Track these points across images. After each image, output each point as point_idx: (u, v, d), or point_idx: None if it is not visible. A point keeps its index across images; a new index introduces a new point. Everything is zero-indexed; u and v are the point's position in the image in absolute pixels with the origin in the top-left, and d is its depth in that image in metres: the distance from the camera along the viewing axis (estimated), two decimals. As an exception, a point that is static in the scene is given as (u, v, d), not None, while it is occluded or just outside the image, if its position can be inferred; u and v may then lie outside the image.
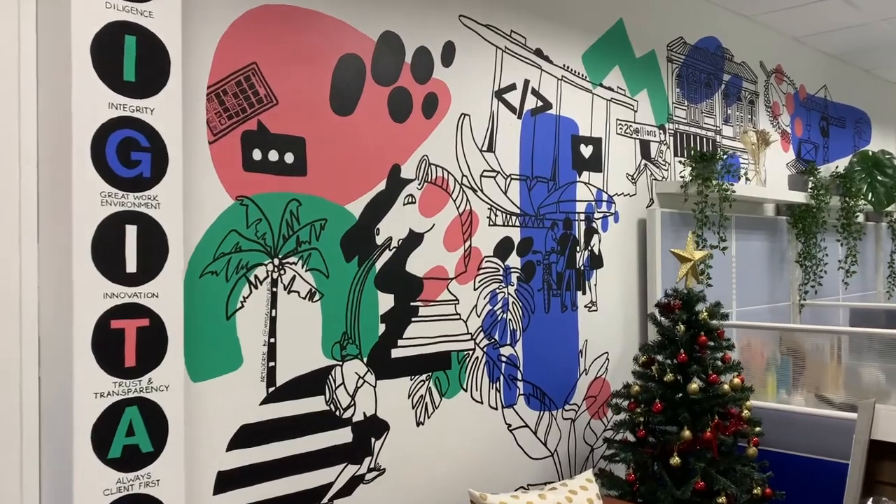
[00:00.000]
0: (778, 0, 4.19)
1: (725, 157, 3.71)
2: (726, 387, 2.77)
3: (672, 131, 3.86)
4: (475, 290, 2.88)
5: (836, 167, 5.10)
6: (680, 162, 3.83)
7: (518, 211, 3.05)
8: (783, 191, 4.46)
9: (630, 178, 3.60)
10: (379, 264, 2.55)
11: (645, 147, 3.69)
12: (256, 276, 2.23)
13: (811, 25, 4.67)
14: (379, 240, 2.55)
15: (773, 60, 4.77)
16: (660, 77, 3.80)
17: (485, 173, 2.92)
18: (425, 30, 2.70)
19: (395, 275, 2.60)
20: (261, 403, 2.24)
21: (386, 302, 2.57)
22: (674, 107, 3.89)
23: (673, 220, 3.68)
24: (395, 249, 2.60)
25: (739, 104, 4.42)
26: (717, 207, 3.59)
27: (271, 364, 2.26)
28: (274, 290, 2.27)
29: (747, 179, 3.78)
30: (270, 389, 2.26)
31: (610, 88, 3.49)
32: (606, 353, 3.45)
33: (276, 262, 2.27)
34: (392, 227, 2.59)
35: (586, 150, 3.37)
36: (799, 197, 4.37)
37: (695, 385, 2.72)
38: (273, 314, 2.27)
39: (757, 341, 4.16)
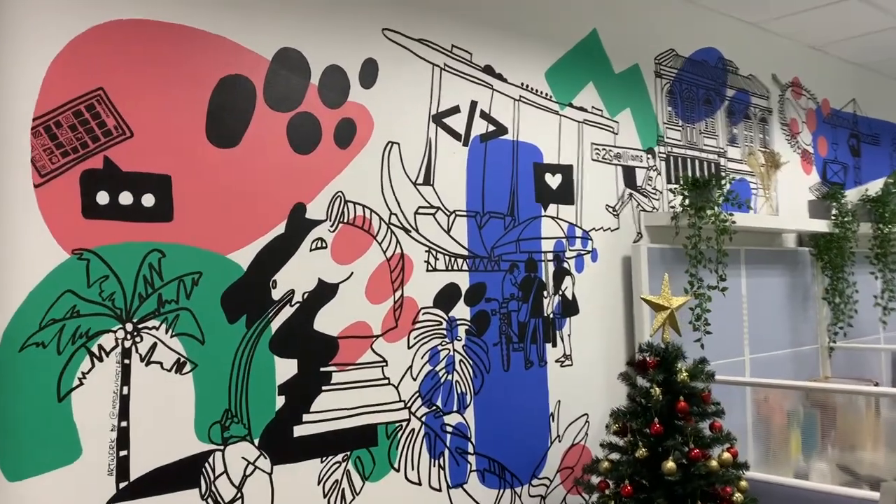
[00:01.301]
0: (786, 4, 3.70)
1: (726, 182, 3.22)
2: (714, 463, 2.25)
3: (663, 155, 3.38)
4: (409, 348, 2.43)
5: (867, 190, 4.53)
6: (671, 190, 3.33)
7: (465, 252, 2.60)
8: (802, 219, 3.92)
9: (611, 209, 3.12)
10: (276, 324, 2.13)
11: (629, 174, 3.21)
12: (101, 346, 1.83)
13: (830, 31, 4.15)
14: (276, 294, 2.13)
15: (789, 72, 4.25)
16: (646, 94, 3.33)
17: (420, 210, 2.49)
18: (337, 46, 2.31)
19: (298, 335, 2.17)
20: (109, 502, 1.82)
21: (286, 369, 2.14)
22: (665, 127, 3.41)
23: (664, 257, 3.18)
24: (298, 305, 2.17)
25: (748, 122, 3.91)
26: (715, 241, 3.09)
27: (122, 453, 1.84)
28: (126, 361, 1.86)
29: (749, 208, 3.28)
30: (122, 484, 1.84)
31: (582, 109, 3.04)
32: (586, 414, 2.95)
33: (130, 327, 1.87)
34: (294, 277, 2.17)
35: (553, 180, 2.91)
36: (819, 225, 3.82)
37: (671, 464, 2.21)
38: (125, 392, 1.86)
39: (776, 394, 3.59)
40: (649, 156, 3.31)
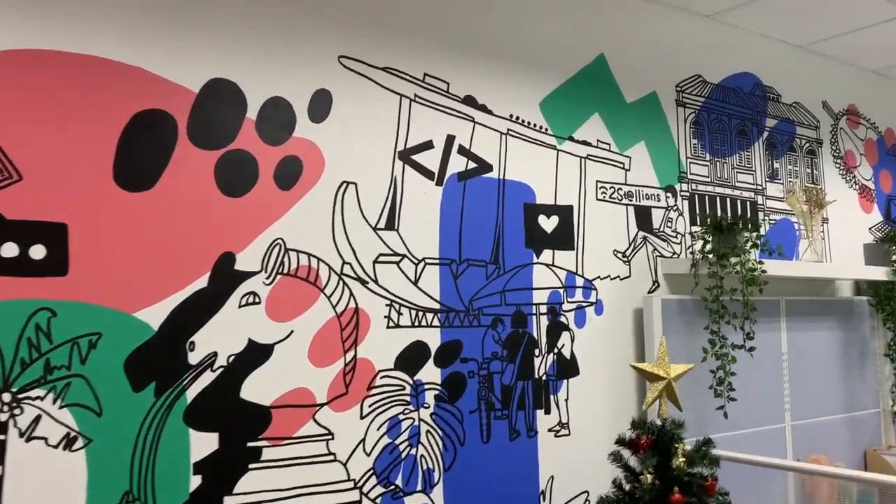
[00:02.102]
0: (837, 23, 3.28)
1: (762, 222, 2.81)
2: (717, 571, 1.85)
3: (686, 193, 3.00)
4: (363, 418, 2.12)
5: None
6: (691, 234, 2.94)
7: (436, 306, 2.29)
8: (853, 266, 3.44)
9: (621, 255, 2.75)
10: (193, 392, 1.86)
11: (643, 215, 2.84)
12: (-31, 420, 1.60)
13: (891, 52, 3.68)
14: (194, 357, 1.87)
15: (843, 99, 3.80)
16: (665, 126, 2.97)
17: (381, 258, 2.20)
18: (281, 76, 2.06)
19: (220, 404, 1.89)
20: None
21: (204, 444, 1.87)
22: (689, 162, 3.03)
23: (683, 310, 2.78)
24: (221, 369, 1.90)
25: (792, 156, 3.48)
26: (741, 293, 2.67)
27: (-10, 545, 1.60)
28: (1, 437, 1.62)
29: (780, 255, 2.84)
30: (-13, 582, 1.59)
31: (585, 143, 2.70)
32: (586, 492, 2.56)
33: (7, 397, 1.63)
34: (218, 338, 1.90)
35: (548, 223, 2.58)
36: (875, 273, 3.33)
37: (658, 573, 1.82)
38: (-3, 472, 1.61)
39: (823, 465, 3.10)
40: (669, 194, 2.93)
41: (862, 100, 3.90)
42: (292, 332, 2.02)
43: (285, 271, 2.02)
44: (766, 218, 3.25)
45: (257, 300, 1.97)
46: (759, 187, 3.29)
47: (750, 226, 2.76)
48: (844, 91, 3.80)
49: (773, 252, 2.75)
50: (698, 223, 2.98)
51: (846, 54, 3.68)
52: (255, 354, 1.96)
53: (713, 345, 2.67)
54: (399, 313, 2.22)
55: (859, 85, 3.89)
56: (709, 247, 2.70)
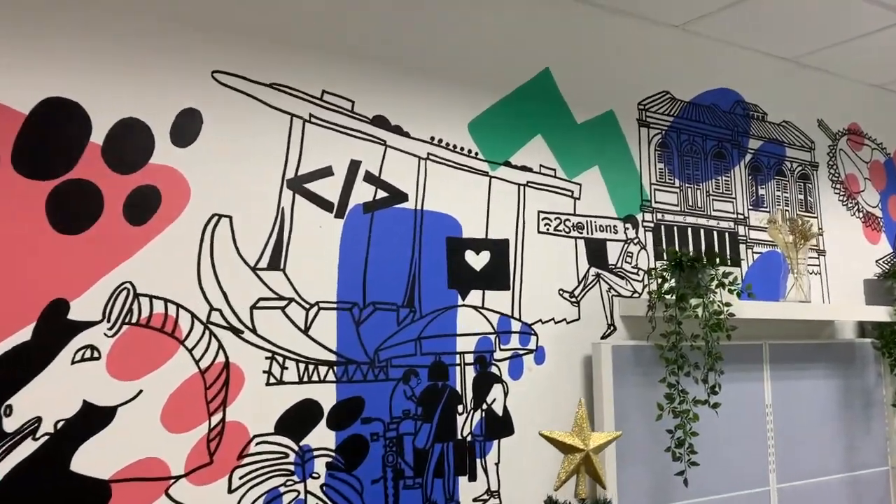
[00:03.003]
0: (829, 31, 2.92)
1: (739, 257, 2.45)
2: None
3: (651, 224, 2.65)
4: (231, 492, 1.81)
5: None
6: (648, 273, 2.58)
7: (332, 357, 1.98)
8: (850, 306, 3.04)
9: (568, 295, 2.42)
10: (7, 465, 1.57)
11: (596, 249, 2.50)
12: None
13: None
14: (10, 424, 1.58)
15: (843, 118, 3.42)
16: (624, 148, 2.63)
17: (262, 303, 1.90)
18: (138, 93, 1.79)
19: (43, 479, 1.60)
20: None
21: (18, 527, 1.57)
22: (653, 189, 2.68)
23: (640, 359, 2.42)
24: (46, 438, 1.61)
25: (782, 180, 3.11)
26: (703, 339, 2.31)
27: None
28: None
29: (748, 294, 2.45)
30: None
31: (525, 168, 2.39)
32: (521, 572, 2.21)
33: None
34: (43, 401, 1.61)
35: (477, 260, 2.26)
36: (877, 314, 2.93)
37: None
38: None
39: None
40: (628, 225, 2.59)
41: (865, 118, 3.52)
42: (141, 391, 1.72)
43: (133, 320, 1.73)
44: (748, 251, 2.88)
45: (96, 355, 1.68)
46: (741, 216, 2.93)
47: (717, 261, 2.40)
48: (844, 108, 3.43)
49: (741, 293, 2.38)
50: (664, 257, 2.63)
51: (843, 67, 3.31)
52: (92, 419, 1.66)
53: (671, 400, 2.30)
54: (283, 367, 1.91)
55: (861, 101, 3.51)
56: (667, 286, 2.35)
